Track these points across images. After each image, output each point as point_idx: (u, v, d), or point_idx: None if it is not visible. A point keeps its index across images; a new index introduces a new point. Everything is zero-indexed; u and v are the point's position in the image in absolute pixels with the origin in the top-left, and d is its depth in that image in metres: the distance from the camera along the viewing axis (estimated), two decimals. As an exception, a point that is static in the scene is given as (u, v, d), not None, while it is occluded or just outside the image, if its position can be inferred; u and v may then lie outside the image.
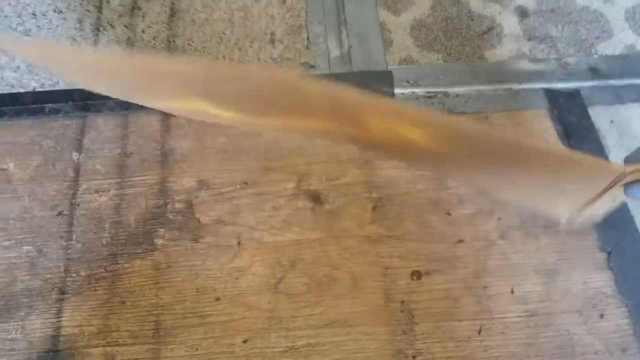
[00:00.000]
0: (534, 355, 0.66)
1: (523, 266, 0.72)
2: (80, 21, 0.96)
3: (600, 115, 0.88)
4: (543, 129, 0.86)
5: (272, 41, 0.95)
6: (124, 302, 0.69)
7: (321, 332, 0.67)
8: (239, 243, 0.73)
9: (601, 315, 0.69)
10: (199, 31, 0.96)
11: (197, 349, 0.66)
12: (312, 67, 0.92)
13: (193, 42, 0.95)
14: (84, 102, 0.85)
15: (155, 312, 0.69)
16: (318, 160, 0.81)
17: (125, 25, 0.96)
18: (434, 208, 0.77)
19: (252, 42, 0.95)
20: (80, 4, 0.99)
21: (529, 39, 0.97)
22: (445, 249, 0.73)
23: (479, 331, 0.68)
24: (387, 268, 0.72)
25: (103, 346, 0.67)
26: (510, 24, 0.99)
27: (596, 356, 0.66)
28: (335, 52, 0.94)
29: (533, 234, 0.75)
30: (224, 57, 0.93)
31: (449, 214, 0.76)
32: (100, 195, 0.77)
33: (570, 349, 0.67)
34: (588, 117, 0.87)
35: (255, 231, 0.74)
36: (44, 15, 0.97)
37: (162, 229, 0.74)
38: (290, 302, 0.69)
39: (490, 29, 0.99)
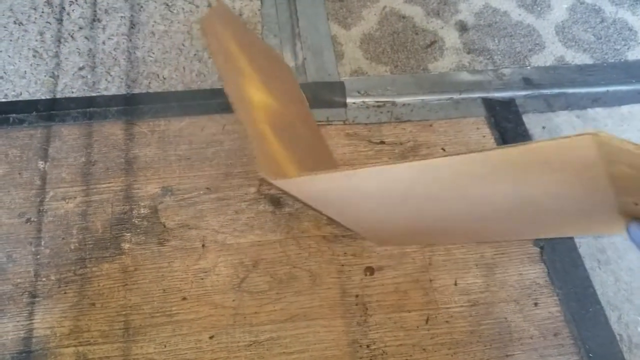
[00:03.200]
0: (476, 341, 0.73)
1: (465, 261, 0.79)
2: (41, 33, 0.99)
3: (533, 122, 0.96)
4: (481, 135, 0.93)
5: (229, 53, 1.00)
6: (93, 304, 0.73)
7: (283, 326, 0.72)
8: (203, 245, 0.77)
9: (535, 304, 0.77)
10: (159, 43, 1.00)
11: (165, 346, 0.71)
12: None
13: (153, 53, 0.99)
14: (47, 112, 0.88)
15: (124, 312, 0.72)
16: (276, 166, 0.86)
17: (86, 37, 0.99)
18: (385, 209, 0.83)
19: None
20: (41, 16, 1.01)
21: (468, 52, 1.05)
22: (393, 248, 0.80)
23: (427, 320, 0.74)
24: (342, 265, 0.78)
25: (75, 346, 0.70)
26: (451, 38, 1.07)
27: (531, 341, 0.74)
28: (290, 64, 1.00)
29: (474, 231, 0.82)
30: (184, 68, 0.97)
31: (398, 215, 0.83)
32: (67, 202, 0.80)
33: (508, 335, 0.74)
34: (522, 124, 0.96)
35: (219, 234, 0.79)
36: (5, 27, 0.99)
37: (128, 234, 0.78)
38: (253, 300, 0.74)
39: (433, 43, 1.06)
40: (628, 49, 1.10)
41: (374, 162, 0.89)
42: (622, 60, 1.08)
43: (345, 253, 0.79)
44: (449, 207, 0.60)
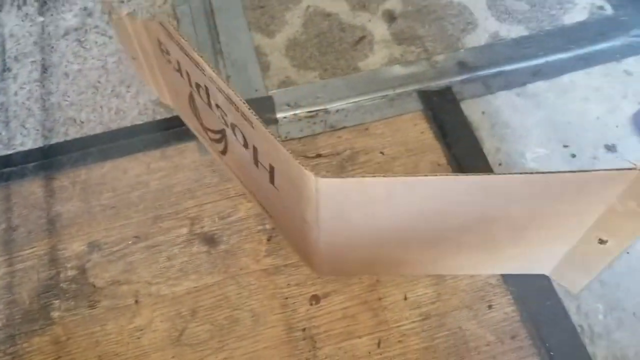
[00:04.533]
0: (431, 357, 0.70)
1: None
2: (-54, 93, 0.94)
3: (471, 108, 0.92)
4: (420, 131, 0.89)
5: (149, 83, 0.95)
6: (29, 382, 0.69)
7: (228, 375, 0.69)
8: (136, 301, 0.74)
9: (489, 307, 0.74)
10: (73, 84, 0.95)
11: (110, 415, 0.67)
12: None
13: (68, 96, 0.94)
14: (-40, 180, 0.83)
15: (62, 386, 0.69)
16: (209, 200, 0.82)
17: (-5, 91, 0.94)
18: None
19: (128, 87, 0.95)
20: (-56, 75, 0.96)
21: (399, 43, 1.01)
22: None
23: (378, 344, 0.71)
24: (286, 298, 0.74)
25: None
26: (379, 30, 1.03)
27: (488, 347, 0.71)
28: (213, 85, 0.95)
29: (420, 238, 0.78)
30: (101, 107, 0.92)
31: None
32: (-9, 276, 0.76)
33: (464, 345, 0.71)
34: (461, 113, 0.92)
35: (152, 286, 0.75)
36: None
37: (57, 301, 0.74)
38: (194, 353, 0.70)
39: (361, 38, 1.02)
40: (564, 13, 1.05)
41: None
42: (559, 26, 1.04)
43: (288, 284, 0.75)
44: (420, 227, 0.62)
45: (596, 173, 0.52)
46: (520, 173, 0.52)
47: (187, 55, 0.61)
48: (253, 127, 0.55)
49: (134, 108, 0.92)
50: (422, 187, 0.54)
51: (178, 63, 0.66)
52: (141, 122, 0.90)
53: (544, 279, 0.75)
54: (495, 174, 0.52)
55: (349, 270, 0.75)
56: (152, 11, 1.04)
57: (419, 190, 0.54)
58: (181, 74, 0.68)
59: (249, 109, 0.54)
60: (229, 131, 0.65)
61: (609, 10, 1.05)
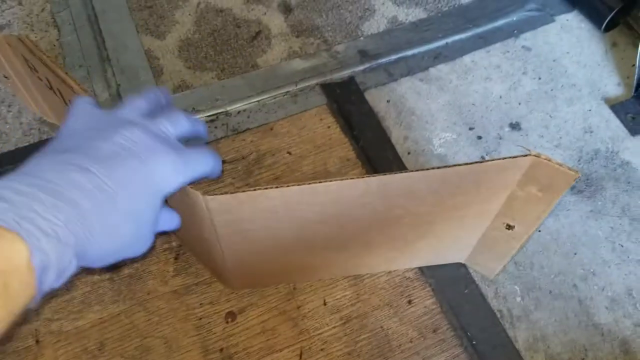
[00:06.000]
0: (356, 362, 0.68)
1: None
2: None
3: (376, 97, 0.91)
4: (326, 126, 0.87)
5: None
6: None
7: (143, 410, 0.65)
8: (37, 341, 0.68)
9: (409, 302, 0.72)
10: (-55, 107, 0.86)
11: None
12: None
13: (-60, 122, 0.85)
14: None
15: None
16: (108, 221, 0.77)
17: None
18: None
19: (9, 106, 0.87)
20: None
21: (297, 35, 0.97)
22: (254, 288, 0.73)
23: (300, 355, 0.68)
24: (200, 319, 0.70)
25: None
26: (276, 23, 0.99)
27: (411, 344, 0.70)
28: (103, 95, 0.89)
29: (334, 239, 0.76)
30: (-20, 131, 0.84)
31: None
32: None
33: (387, 345, 0.69)
34: (365, 103, 0.90)
35: (53, 322, 0.69)
36: None
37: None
38: (104, 391, 0.65)
39: (258, 33, 0.97)
40: (460, -8, 1.05)
41: (217, 188, 0.81)
42: (457, 5, 1.03)
43: (201, 304, 0.71)
44: (327, 231, 0.60)
45: (492, 163, 0.52)
46: (418, 170, 0.51)
47: (53, 72, 0.56)
48: None
49: (17, 129, 0.84)
50: (317, 194, 0.52)
51: (48, 80, 0.60)
52: (27, 144, 0.83)
53: (461, 268, 0.75)
54: (392, 173, 0.50)
55: (262, 282, 0.72)
56: (28, 21, 0.95)
57: (315, 196, 0.52)
58: (54, 92, 0.62)
59: None
60: None
61: (503, -13, 1.06)
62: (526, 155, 0.50)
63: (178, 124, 0.47)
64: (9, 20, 0.96)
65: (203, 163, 0.47)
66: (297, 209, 0.54)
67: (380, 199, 0.55)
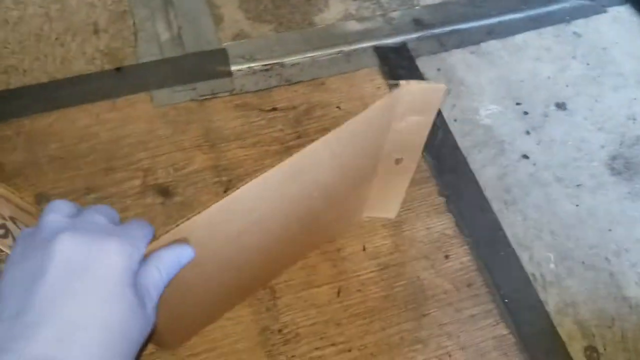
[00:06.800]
0: (391, 305, 0.71)
1: (371, 223, 0.76)
2: None
3: (427, 65, 0.93)
4: (376, 86, 0.89)
5: (95, 32, 0.91)
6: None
7: (186, 326, 0.67)
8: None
9: (446, 257, 0.75)
10: (14, 31, 0.90)
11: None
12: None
13: (9, 44, 0.88)
14: None
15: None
16: (162, 152, 0.80)
17: None
18: (283, 182, 0.78)
19: (74, 35, 0.90)
20: None
21: (355, -2, 1.00)
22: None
23: (338, 293, 0.71)
24: (244, 249, 0.73)
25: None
26: (335, -15, 1.01)
27: (445, 296, 0.72)
28: (165, 36, 0.92)
29: (378, 191, 0.79)
30: (45, 55, 0.87)
31: (298, 185, 0.78)
32: None
33: (422, 294, 0.72)
34: (416, 69, 0.92)
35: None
36: None
37: (3, 254, 0.70)
38: (150, 303, 0.68)
39: (317, -7, 1.00)
40: (516, -26, 1.07)
41: (267, 132, 0.83)
42: (512, -13, 1.05)
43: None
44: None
45: (373, 107, 0.51)
46: (307, 145, 0.49)
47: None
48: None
49: (80, 57, 0.88)
50: (235, 207, 0.48)
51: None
52: (89, 72, 0.86)
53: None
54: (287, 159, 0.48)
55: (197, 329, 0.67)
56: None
57: (234, 212, 0.48)
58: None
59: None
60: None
61: (559, -27, 1.07)
62: (396, 85, 0.52)
63: (105, 212, 0.43)
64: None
65: (142, 227, 0.43)
66: (217, 231, 0.49)
67: (288, 188, 0.52)
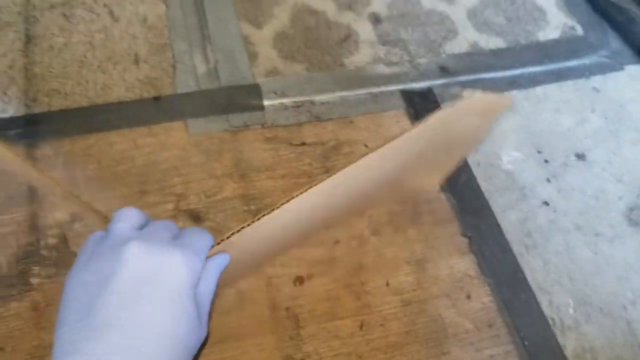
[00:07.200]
0: (412, 341, 0.72)
1: (395, 259, 0.78)
2: None
3: (452, 111, 0.96)
4: (402, 128, 0.92)
5: (136, 61, 0.95)
6: (2, 348, 0.67)
7: (212, 349, 0.69)
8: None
9: (468, 297, 0.76)
10: (59, 57, 0.94)
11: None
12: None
13: (53, 68, 0.92)
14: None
15: (38, 354, 0.67)
16: (195, 179, 0.82)
17: (-26, 56, 0.91)
18: (310, 214, 0.81)
19: (115, 64, 0.94)
20: None
21: (384, 44, 1.04)
22: (323, 251, 0.78)
23: (361, 326, 0.72)
24: (270, 278, 0.75)
25: (-15, 397, 0.64)
26: (365, 30, 1.06)
27: (467, 335, 0.73)
28: (202, 69, 0.96)
29: (402, 227, 0.81)
30: (87, 81, 0.91)
31: (325, 218, 0.81)
32: (-34, 240, 0.73)
33: (443, 332, 0.73)
34: (442, 114, 0.95)
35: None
36: None
37: (36, 267, 0.72)
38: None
39: (347, 37, 1.04)
40: (539, 29, 1.11)
41: (295, 165, 0.86)
42: (534, 41, 1.09)
43: (272, 264, 0.76)
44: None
45: (435, 117, 0.49)
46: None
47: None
48: None
49: (121, 85, 0.91)
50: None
51: None
52: (128, 99, 0.90)
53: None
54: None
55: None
56: (141, -8, 1.03)
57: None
58: None
59: None
60: None
61: (579, 31, 1.12)
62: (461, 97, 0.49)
63: (169, 227, 0.44)
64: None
65: (204, 238, 0.44)
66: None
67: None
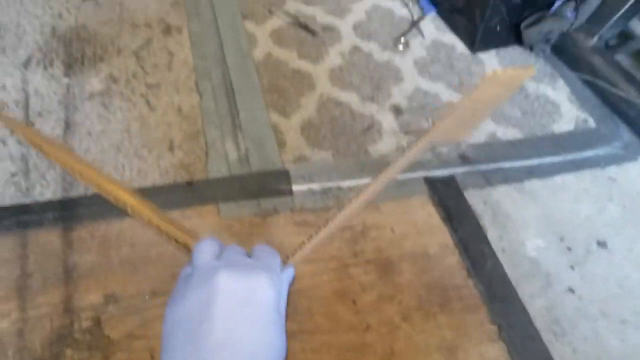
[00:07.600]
0: None
1: (426, 346, 0.78)
2: (-32, 140, 0.95)
3: (474, 198, 0.99)
4: (427, 214, 0.95)
5: (170, 148, 0.99)
6: None
7: None
8: (152, 357, 0.73)
9: (499, 384, 0.76)
10: (97, 143, 0.98)
11: None
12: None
13: (91, 153, 0.96)
14: (-23, 223, 0.83)
15: None
16: (225, 262, 0.84)
17: (18, 142, 0.95)
18: (341, 298, 0.82)
19: (150, 150, 0.98)
20: (-32, 122, 0.97)
21: (405, 133, 1.08)
22: (354, 337, 0.78)
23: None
24: None
25: None
26: (387, 120, 1.10)
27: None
28: (233, 155, 0.99)
29: (431, 313, 0.81)
30: (123, 166, 0.95)
31: (355, 302, 0.81)
32: (1, 321, 0.74)
33: (477, 420, 0.72)
34: (465, 200, 0.98)
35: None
36: None
37: (69, 350, 0.72)
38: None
39: (370, 126, 1.09)
40: (553, 122, 1.16)
41: (325, 250, 0.88)
42: (549, 133, 1.14)
43: (303, 350, 0.76)
44: None
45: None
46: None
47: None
48: None
49: (155, 170, 0.95)
50: None
51: None
52: (162, 184, 0.93)
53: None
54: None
55: None
56: (175, 85, 1.09)
57: None
58: None
59: None
60: None
61: (592, 124, 1.16)
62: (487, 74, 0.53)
63: (240, 250, 0.48)
64: (158, 82, 1.10)
65: (275, 256, 0.49)
66: None
67: None
